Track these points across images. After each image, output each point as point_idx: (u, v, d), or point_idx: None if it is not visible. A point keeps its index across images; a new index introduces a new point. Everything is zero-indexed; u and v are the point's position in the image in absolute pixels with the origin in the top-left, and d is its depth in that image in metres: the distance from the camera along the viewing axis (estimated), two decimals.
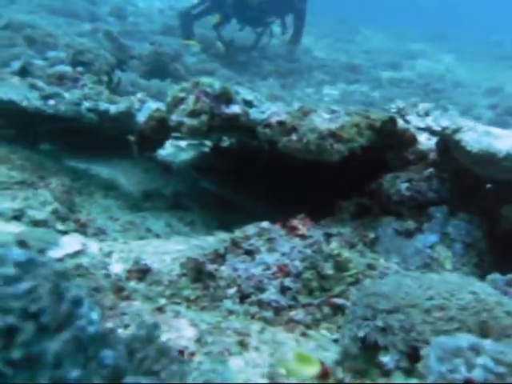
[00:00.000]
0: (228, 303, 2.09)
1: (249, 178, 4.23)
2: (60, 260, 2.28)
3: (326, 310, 2.12)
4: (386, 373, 1.18)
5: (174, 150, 5.91)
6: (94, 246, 2.57)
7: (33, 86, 4.78)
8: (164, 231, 3.84)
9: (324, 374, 1.31)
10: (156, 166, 5.21)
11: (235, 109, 2.89)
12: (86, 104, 3.67)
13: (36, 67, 5.37)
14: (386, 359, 1.18)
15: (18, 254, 0.98)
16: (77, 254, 2.38)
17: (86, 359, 0.87)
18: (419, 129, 2.70)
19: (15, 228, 2.72)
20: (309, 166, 3.04)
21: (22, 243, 2.19)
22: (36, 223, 3.01)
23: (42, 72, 5.28)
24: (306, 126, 2.63)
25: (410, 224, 2.73)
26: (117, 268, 2.41)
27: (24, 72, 5.25)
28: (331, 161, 2.59)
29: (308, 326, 2.04)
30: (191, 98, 2.83)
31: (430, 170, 2.83)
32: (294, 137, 2.66)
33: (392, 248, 2.65)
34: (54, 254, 2.31)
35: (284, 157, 2.94)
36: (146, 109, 3.26)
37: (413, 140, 2.77)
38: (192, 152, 5.89)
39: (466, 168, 2.65)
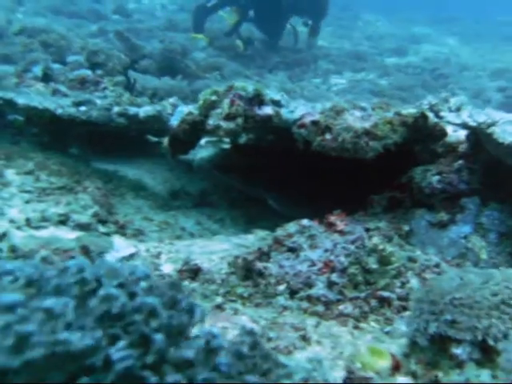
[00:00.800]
0: (281, 299, 2.19)
1: (271, 174, 4.32)
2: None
3: (373, 302, 2.21)
4: (459, 364, 1.28)
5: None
6: (142, 248, 2.68)
7: (56, 91, 4.89)
8: (195, 229, 3.95)
9: (396, 366, 1.42)
10: (178, 164, 5.31)
11: (267, 110, 2.99)
12: (116, 109, 3.76)
13: (57, 72, 5.46)
14: (458, 351, 1.29)
15: (142, 270, 1.07)
16: (131, 256, 2.49)
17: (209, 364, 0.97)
18: (455, 124, 2.78)
19: (68, 233, 2.84)
20: (338, 162, 3.14)
21: (84, 248, 2.30)
22: (81, 227, 3.14)
23: (64, 77, 5.38)
24: (339, 125, 2.72)
25: (443, 216, 2.82)
26: (167, 268, 2.52)
27: (46, 77, 5.35)
28: (366, 158, 2.68)
29: (357, 319, 2.14)
30: (226, 102, 2.93)
31: (460, 161, 2.92)
32: (327, 136, 2.75)
33: (427, 240, 2.75)
34: (111, 257, 2.42)
35: (310, 154, 3.05)
36: (179, 113, 3.36)
37: (443, 134, 2.85)
38: (211, 149, 5.99)
39: (498, 160, 2.74)
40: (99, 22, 12.18)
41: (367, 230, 2.67)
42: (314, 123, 2.81)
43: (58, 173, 3.75)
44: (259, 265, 2.37)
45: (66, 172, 3.81)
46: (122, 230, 3.41)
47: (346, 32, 17.67)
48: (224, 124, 2.87)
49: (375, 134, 2.64)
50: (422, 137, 2.84)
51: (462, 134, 3.05)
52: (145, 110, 3.71)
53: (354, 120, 2.74)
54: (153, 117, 3.73)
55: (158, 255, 2.66)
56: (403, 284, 2.26)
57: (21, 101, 3.64)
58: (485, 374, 1.22)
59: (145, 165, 5.06)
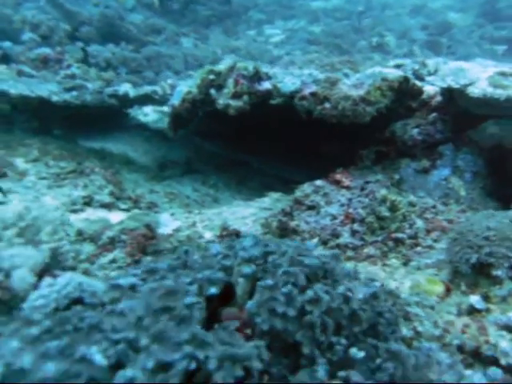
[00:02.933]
0: (320, 250, 2.64)
1: (252, 140, 4.68)
2: (170, 236, 2.73)
3: (390, 243, 2.71)
4: (499, 282, 1.78)
5: (158, 116, 6.24)
6: (177, 220, 3.02)
7: (21, 73, 4.97)
8: (196, 195, 4.30)
9: (448, 289, 1.91)
10: (152, 134, 5.56)
11: (267, 85, 3.34)
12: (108, 90, 3.95)
13: (15, 51, 5.45)
14: (498, 272, 1.78)
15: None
16: (178, 228, 2.83)
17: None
18: (441, 87, 3.25)
19: (108, 214, 3.13)
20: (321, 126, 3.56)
21: (148, 226, 2.62)
22: (105, 206, 3.42)
23: (24, 56, 5.38)
24: (336, 94, 3.12)
25: (425, 163, 3.34)
26: (207, 235, 2.89)
27: (6, 58, 5.35)
28: (363, 122, 3.13)
29: (381, 259, 2.63)
30: (230, 82, 3.25)
31: (434, 114, 3.42)
32: (327, 105, 3.16)
33: (416, 185, 3.26)
34: (164, 231, 2.75)
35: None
36: (178, 92, 3.61)
37: (420, 92, 3.33)
38: None
39: (465, 110, 3.26)
40: None
41: (367, 182, 3.13)
42: (313, 94, 3.20)
43: (61, 157, 3.95)
44: (292, 223, 2.79)
45: (67, 155, 4.02)
46: (136, 204, 3.71)
47: None
48: (233, 102, 3.20)
49: (369, 100, 3.08)
50: (404, 97, 3.30)
51: (432, 89, 3.53)
52: (135, 91, 3.91)
53: (349, 89, 3.15)
54: (143, 95, 3.95)
55: (193, 224, 3.01)
56: (411, 225, 2.76)
57: (13, 91, 3.76)
58: None
59: (122, 138, 5.27)
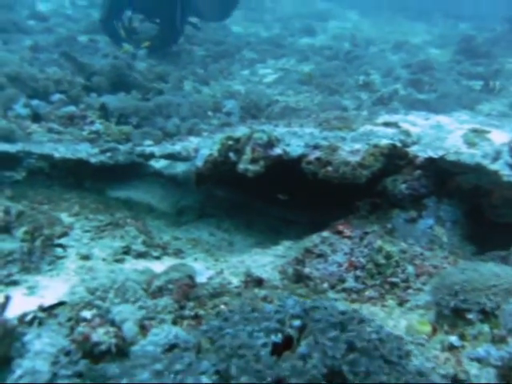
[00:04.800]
0: (331, 294, 3.24)
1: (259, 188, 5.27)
2: (206, 283, 3.31)
3: (387, 286, 3.32)
4: (471, 323, 2.39)
5: (169, 162, 6.86)
6: (209, 270, 3.61)
7: (51, 130, 5.59)
8: (213, 240, 4.88)
9: (435, 329, 2.51)
10: (166, 181, 6.18)
11: (278, 151, 3.98)
12: (137, 150, 4.56)
13: (43, 110, 6.06)
14: (471, 316, 2.39)
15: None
16: (213, 277, 3.42)
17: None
18: (426, 157, 3.91)
19: (150, 263, 3.71)
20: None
21: (190, 277, 3.20)
22: (141, 255, 4.00)
23: (53, 115, 6.00)
24: (337, 159, 3.77)
25: (413, 213, 3.98)
26: (234, 281, 3.47)
27: (36, 117, 5.96)
28: (360, 183, 3.77)
29: (379, 300, 3.23)
30: (248, 149, 3.88)
31: (418, 171, 4.06)
32: (329, 168, 3.80)
33: (406, 233, 3.89)
34: (202, 279, 3.33)
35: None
36: (202, 155, 4.23)
37: (406, 154, 3.98)
38: (189, 162, 6.86)
39: (445, 169, 3.91)
40: (22, 33, 12.34)
41: (366, 233, 3.75)
42: (318, 159, 3.84)
43: (97, 210, 4.53)
44: (306, 270, 3.39)
45: (102, 208, 4.61)
46: (165, 251, 4.28)
47: (257, 15, 18.60)
48: (251, 167, 3.83)
49: (365, 164, 3.73)
50: (393, 159, 3.95)
51: (414, 150, 4.18)
52: (160, 150, 4.53)
53: (347, 155, 3.79)
54: (168, 155, 4.56)
55: (221, 271, 3.60)
56: (403, 271, 3.37)
57: (57, 155, 4.35)
58: (486, 327, 2.33)
59: (141, 186, 5.87)
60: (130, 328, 2.13)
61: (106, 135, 5.74)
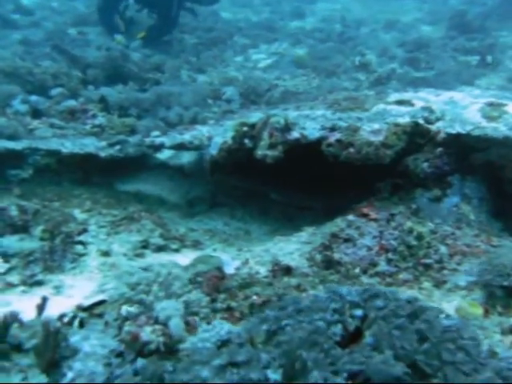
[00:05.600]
0: (364, 278, 3.15)
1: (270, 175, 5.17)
2: (234, 274, 3.21)
3: (420, 268, 3.23)
4: None
5: (174, 153, 6.72)
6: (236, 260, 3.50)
7: (53, 125, 5.44)
8: (229, 230, 4.78)
9: (486, 311, 2.43)
10: (173, 172, 6.05)
11: (295, 134, 3.86)
12: (146, 142, 4.42)
13: (43, 105, 5.89)
14: None
15: None
16: (240, 267, 3.32)
17: None
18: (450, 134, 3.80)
19: (173, 256, 3.60)
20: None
21: (219, 268, 3.09)
22: (160, 248, 3.89)
23: (53, 110, 5.83)
24: (359, 140, 3.66)
25: (437, 192, 3.89)
26: (262, 271, 3.37)
27: (36, 113, 5.79)
28: (384, 163, 3.67)
29: (415, 282, 3.15)
30: (265, 134, 3.76)
31: (440, 149, 3.96)
32: (351, 149, 3.69)
33: (431, 213, 3.80)
34: (229, 270, 3.23)
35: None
36: (215, 143, 4.10)
37: (428, 132, 3.88)
38: (194, 152, 6.73)
39: (469, 145, 3.82)
40: (8, 28, 12.10)
41: (392, 214, 3.66)
42: (338, 141, 3.73)
43: (109, 205, 4.41)
44: (336, 256, 3.30)
45: (114, 202, 4.48)
46: (183, 243, 4.18)
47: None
48: (269, 152, 3.72)
49: (388, 144, 3.62)
50: (414, 138, 3.85)
51: (439, 126, 4.07)
52: (170, 140, 4.39)
53: (369, 135, 3.69)
54: (178, 145, 4.44)
55: (247, 261, 3.50)
56: (436, 251, 3.29)
57: (64, 150, 4.21)
58: None
59: (148, 178, 5.74)
60: (176, 325, 2.03)
61: (109, 128, 5.58)
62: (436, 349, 1.58)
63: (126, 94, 7.21)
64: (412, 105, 4.57)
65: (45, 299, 2.21)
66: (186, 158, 6.48)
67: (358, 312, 1.78)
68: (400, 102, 4.70)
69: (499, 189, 3.88)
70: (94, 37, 11.24)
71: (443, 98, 4.93)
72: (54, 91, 6.13)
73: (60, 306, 2.53)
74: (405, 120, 3.83)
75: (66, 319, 2.15)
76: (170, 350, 1.98)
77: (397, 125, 3.76)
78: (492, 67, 11.02)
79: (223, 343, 1.93)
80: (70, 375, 1.78)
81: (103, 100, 6.32)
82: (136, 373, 1.71)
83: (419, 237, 3.32)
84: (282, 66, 10.88)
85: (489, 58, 11.24)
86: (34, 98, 6.23)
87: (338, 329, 1.70)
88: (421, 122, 3.85)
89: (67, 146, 4.25)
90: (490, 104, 4.44)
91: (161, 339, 1.98)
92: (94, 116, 5.79)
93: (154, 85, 8.20)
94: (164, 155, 6.58)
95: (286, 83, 9.78)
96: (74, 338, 1.91)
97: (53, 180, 4.68)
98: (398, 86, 9.14)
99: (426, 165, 3.92)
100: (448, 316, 1.89)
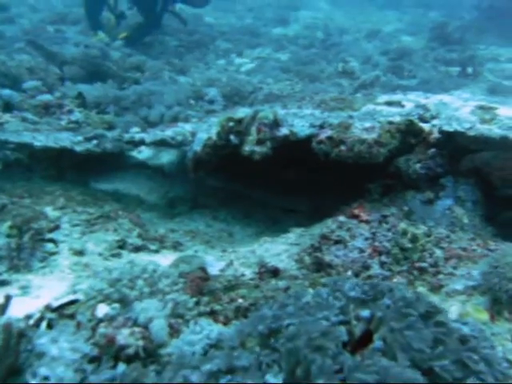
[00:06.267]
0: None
1: (252, 175, 4.98)
2: (219, 276, 2.99)
3: (415, 272, 3.05)
4: None
5: (153, 153, 6.50)
6: (220, 261, 3.28)
7: (25, 120, 5.17)
8: (211, 231, 4.55)
9: (492, 317, 2.26)
10: (152, 172, 5.81)
11: (284, 131, 3.67)
12: (126, 137, 4.19)
13: (17, 99, 5.61)
14: None
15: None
16: (224, 269, 3.10)
17: None
18: (447, 132, 3.65)
19: (152, 256, 3.36)
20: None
21: (202, 269, 2.87)
22: (138, 248, 3.65)
23: (26, 104, 5.55)
24: (351, 138, 3.48)
25: (429, 194, 3.73)
26: (247, 273, 3.16)
27: (8, 107, 5.51)
28: (377, 162, 3.49)
29: (409, 287, 2.97)
30: (253, 130, 3.56)
31: (433, 150, 3.81)
32: (343, 147, 3.51)
33: (424, 215, 3.64)
34: (213, 271, 3.01)
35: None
36: (199, 139, 3.89)
37: (422, 131, 3.72)
38: (174, 152, 6.50)
39: (463, 146, 3.68)
40: None
41: (384, 216, 3.49)
42: (329, 138, 3.55)
43: (85, 203, 4.15)
44: (327, 258, 3.10)
45: (90, 200, 4.23)
46: (162, 244, 3.94)
47: (228, 5, 18.21)
48: (258, 148, 3.51)
49: (381, 142, 3.45)
50: (407, 137, 3.69)
51: (428, 127, 3.93)
52: (150, 136, 4.17)
53: (361, 132, 3.51)
54: (160, 141, 4.21)
55: (231, 263, 3.28)
56: (431, 255, 3.12)
57: (38, 143, 3.95)
58: None
59: (126, 177, 5.49)
60: (159, 328, 1.80)
61: (86, 124, 5.31)
62: (455, 355, 1.39)
63: (105, 91, 6.96)
64: (402, 106, 4.44)
65: (8, 298, 1.96)
66: (166, 158, 6.26)
67: (365, 313, 1.58)
68: (390, 103, 4.57)
69: (490, 193, 3.74)
70: (72, 35, 10.94)
71: (433, 100, 4.81)
72: (28, 84, 5.83)
73: (26, 307, 2.27)
74: (399, 118, 3.66)
75: (31, 321, 1.91)
76: (150, 355, 1.75)
77: (390, 122, 3.60)
78: (472, 78, 11.09)
79: (213, 347, 1.71)
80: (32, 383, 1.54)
81: (80, 96, 6.06)
82: (113, 380, 1.48)
83: (414, 239, 3.15)
84: (265, 71, 10.72)
85: (469, 69, 11.36)
86: (6, 91, 5.93)
87: (342, 331, 1.50)
88: (415, 120, 3.68)
89: (40, 140, 3.99)
90: (481, 107, 4.33)
91: (140, 343, 1.75)
92: (71, 111, 5.52)
93: (134, 84, 7.96)
94: (143, 155, 6.34)
95: (270, 87, 9.62)
96: (40, 341, 1.67)
97: (24, 176, 4.40)
98: (382, 92, 9.08)
99: (418, 166, 3.76)
100: (461, 320, 1.71)
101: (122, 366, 1.56)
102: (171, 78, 9.40)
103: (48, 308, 2.01)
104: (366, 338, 1.52)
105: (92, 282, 2.11)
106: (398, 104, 4.50)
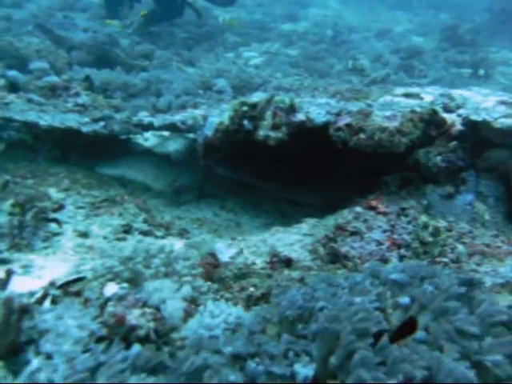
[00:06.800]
0: None
1: (262, 164, 4.83)
2: (229, 263, 2.84)
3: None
4: None
5: (160, 141, 6.34)
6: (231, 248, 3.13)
7: (30, 101, 5.01)
8: (219, 220, 4.40)
9: None
10: (159, 159, 5.65)
11: (301, 116, 3.51)
12: (134, 120, 4.03)
13: (23, 80, 5.47)
14: None
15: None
16: (235, 256, 2.94)
17: None
18: (473, 122, 3.50)
19: (162, 240, 3.21)
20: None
21: (212, 254, 2.72)
22: (144, 234, 3.50)
23: (32, 85, 5.41)
24: (372, 125, 3.33)
25: (450, 188, 3.57)
26: (258, 262, 3.01)
27: (14, 87, 5.36)
28: (398, 152, 3.34)
29: None
30: (268, 114, 3.40)
31: (454, 142, 3.66)
32: (362, 135, 3.36)
33: (444, 210, 3.48)
34: (224, 257, 2.85)
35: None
36: (211, 123, 3.73)
37: (444, 122, 3.57)
38: (181, 140, 6.35)
39: (487, 139, 3.52)
40: None
41: (403, 209, 3.33)
42: (348, 126, 3.39)
43: (90, 186, 4.00)
44: (343, 249, 2.95)
45: (95, 184, 4.07)
46: (168, 231, 3.79)
47: None
48: (273, 134, 3.35)
49: (403, 131, 3.30)
50: (428, 128, 3.54)
51: (450, 118, 3.78)
52: (160, 120, 4.01)
53: (382, 120, 3.36)
54: (169, 125, 4.05)
55: (241, 251, 3.12)
56: (452, 250, 2.97)
57: (43, 122, 3.80)
58: None
59: (132, 164, 5.32)
60: (174, 309, 1.65)
61: (93, 108, 5.16)
62: (508, 349, 1.24)
63: (113, 76, 6.82)
64: (421, 98, 4.28)
65: (9, 272, 1.82)
66: (173, 146, 6.11)
67: (405, 300, 1.42)
68: (407, 95, 4.41)
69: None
70: (80, 21, 10.79)
71: (453, 94, 4.65)
72: (34, 65, 5.68)
73: (28, 286, 2.13)
74: (422, 107, 3.51)
75: (34, 298, 1.76)
76: (161, 338, 1.60)
77: (413, 111, 3.44)
78: (484, 80, 10.96)
79: (231, 331, 1.56)
80: (35, 363, 1.39)
81: (88, 79, 5.91)
82: (125, 360, 1.33)
83: (435, 233, 3.00)
84: (274, 65, 10.57)
85: (481, 71, 11.24)
86: (12, 72, 5.78)
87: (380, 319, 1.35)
88: (439, 110, 3.53)
89: (46, 119, 3.83)
90: (503, 102, 4.16)
91: (151, 325, 1.61)
92: (77, 94, 5.36)
93: (141, 72, 7.82)
94: (149, 142, 6.20)
95: (279, 81, 9.47)
96: (44, 317, 1.52)
97: (27, 156, 4.25)
98: None
99: (439, 158, 3.61)
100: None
101: (136, 347, 1.41)
102: (179, 69, 9.26)
103: (52, 284, 1.86)
104: (405, 328, 1.37)
105: (100, 259, 1.96)
106: (417, 96, 4.35)
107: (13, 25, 9.09)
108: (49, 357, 1.39)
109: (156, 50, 9.19)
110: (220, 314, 1.62)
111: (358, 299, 1.38)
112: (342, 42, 12.49)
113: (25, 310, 1.54)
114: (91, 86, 5.85)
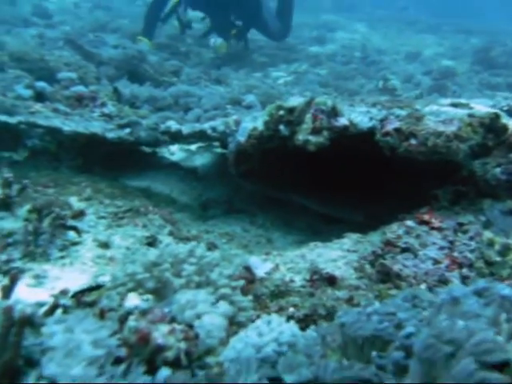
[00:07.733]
0: None
1: (296, 178, 4.52)
2: (265, 279, 2.51)
3: None
4: None
5: (186, 155, 6.10)
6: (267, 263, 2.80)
7: (56, 110, 4.80)
8: (249, 236, 4.08)
9: None
10: (185, 173, 5.39)
11: (343, 121, 3.20)
12: (162, 127, 3.77)
13: (50, 90, 5.31)
14: None
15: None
16: (270, 271, 2.61)
17: None
18: None
19: None
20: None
21: (247, 268, 2.40)
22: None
23: (59, 95, 5.23)
24: (425, 130, 2.99)
25: (511, 204, 3.19)
26: (297, 279, 2.67)
27: (41, 97, 5.20)
28: (456, 159, 2.99)
29: None
30: (308, 117, 3.10)
31: None
32: (413, 141, 3.02)
33: (505, 227, 3.10)
34: (259, 272, 2.53)
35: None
36: (244, 129, 3.45)
37: (506, 129, 3.21)
38: (208, 155, 6.09)
39: None
40: (27, 26, 11.73)
41: (461, 224, 2.97)
42: (397, 130, 3.07)
43: (113, 195, 3.73)
44: (395, 267, 2.59)
45: (118, 194, 3.81)
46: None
47: None
48: (312, 138, 3.04)
49: (462, 136, 2.96)
50: (487, 136, 3.19)
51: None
52: (189, 127, 3.75)
53: (437, 125, 3.03)
54: (198, 132, 3.78)
55: (277, 267, 2.79)
56: None
57: (66, 128, 3.56)
58: None
59: (158, 177, 5.07)
60: (212, 328, 1.32)
61: (119, 118, 4.93)
62: None
63: (141, 90, 6.64)
64: (470, 108, 3.93)
65: (14, 276, 1.52)
66: (200, 161, 5.89)
67: None
68: (455, 105, 4.05)
69: None
70: (111, 40, 10.77)
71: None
72: (62, 75, 5.51)
73: (37, 297, 1.83)
74: (482, 111, 3.17)
75: (42, 310, 1.45)
76: (193, 362, 1.27)
77: (471, 115, 3.10)
78: None
79: (282, 355, 1.23)
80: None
81: (116, 91, 5.72)
82: None
83: (503, 251, 2.63)
84: (303, 84, 10.35)
85: None
86: (40, 83, 5.63)
87: None
88: (502, 115, 3.18)
89: (70, 125, 3.59)
90: None
91: (182, 345, 1.28)
92: (104, 104, 5.14)
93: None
94: (175, 157, 5.98)
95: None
96: (51, 330, 1.20)
97: (50, 165, 4.01)
98: None
99: (498, 170, 3.24)
100: None
101: (164, 371, 1.09)
102: (207, 87, 9.09)
103: (64, 293, 1.55)
104: None
105: (121, 266, 1.65)
106: (466, 106, 3.99)
107: (45, 41, 9.06)
108: (54, 380, 1.07)
109: (184, 67, 9.03)
110: (270, 331, 1.29)
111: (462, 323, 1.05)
112: (371, 62, 12.23)
113: (27, 322, 1.23)
114: (119, 97, 5.65)
